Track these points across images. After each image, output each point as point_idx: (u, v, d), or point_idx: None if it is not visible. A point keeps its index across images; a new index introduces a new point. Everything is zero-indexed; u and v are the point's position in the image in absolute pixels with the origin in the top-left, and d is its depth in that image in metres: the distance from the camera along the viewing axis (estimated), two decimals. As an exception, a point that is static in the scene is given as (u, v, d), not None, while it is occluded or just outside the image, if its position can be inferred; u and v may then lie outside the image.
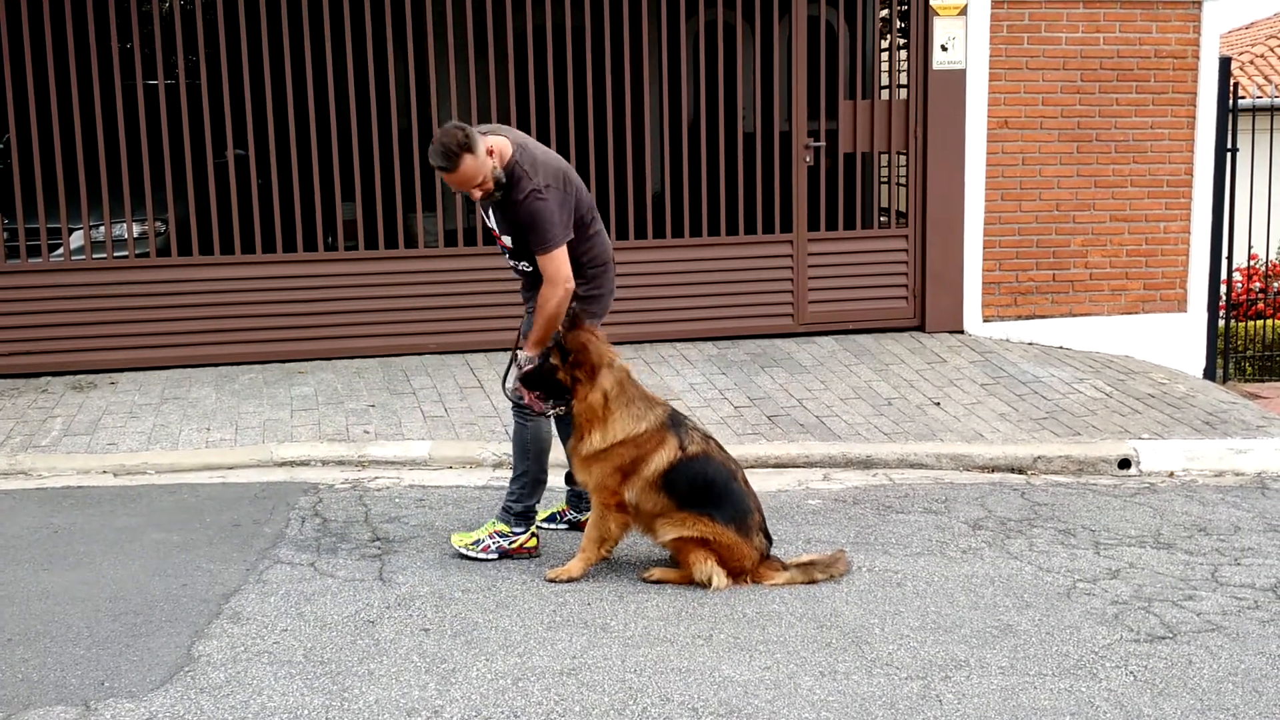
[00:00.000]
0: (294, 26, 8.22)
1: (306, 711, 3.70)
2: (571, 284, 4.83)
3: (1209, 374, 9.18)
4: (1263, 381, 10.10)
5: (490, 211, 5.00)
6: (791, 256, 8.82)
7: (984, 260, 8.92)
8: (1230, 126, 9.30)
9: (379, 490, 6.00)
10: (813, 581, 4.76)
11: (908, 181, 8.95)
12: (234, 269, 8.19)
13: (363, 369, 8.00)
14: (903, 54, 8.98)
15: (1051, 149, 8.89)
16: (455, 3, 8.34)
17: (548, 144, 8.57)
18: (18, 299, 7.93)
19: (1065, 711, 3.75)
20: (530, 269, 5.00)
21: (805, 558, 4.94)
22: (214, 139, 8.29)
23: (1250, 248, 10.96)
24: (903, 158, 9.02)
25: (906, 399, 7.53)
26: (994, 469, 6.57)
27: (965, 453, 6.63)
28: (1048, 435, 6.94)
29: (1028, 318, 9.02)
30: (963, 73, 8.72)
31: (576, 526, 5.35)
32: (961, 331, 8.94)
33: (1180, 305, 9.21)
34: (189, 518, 5.54)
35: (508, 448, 6.23)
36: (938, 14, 8.65)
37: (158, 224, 8.36)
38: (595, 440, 4.70)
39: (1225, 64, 9.14)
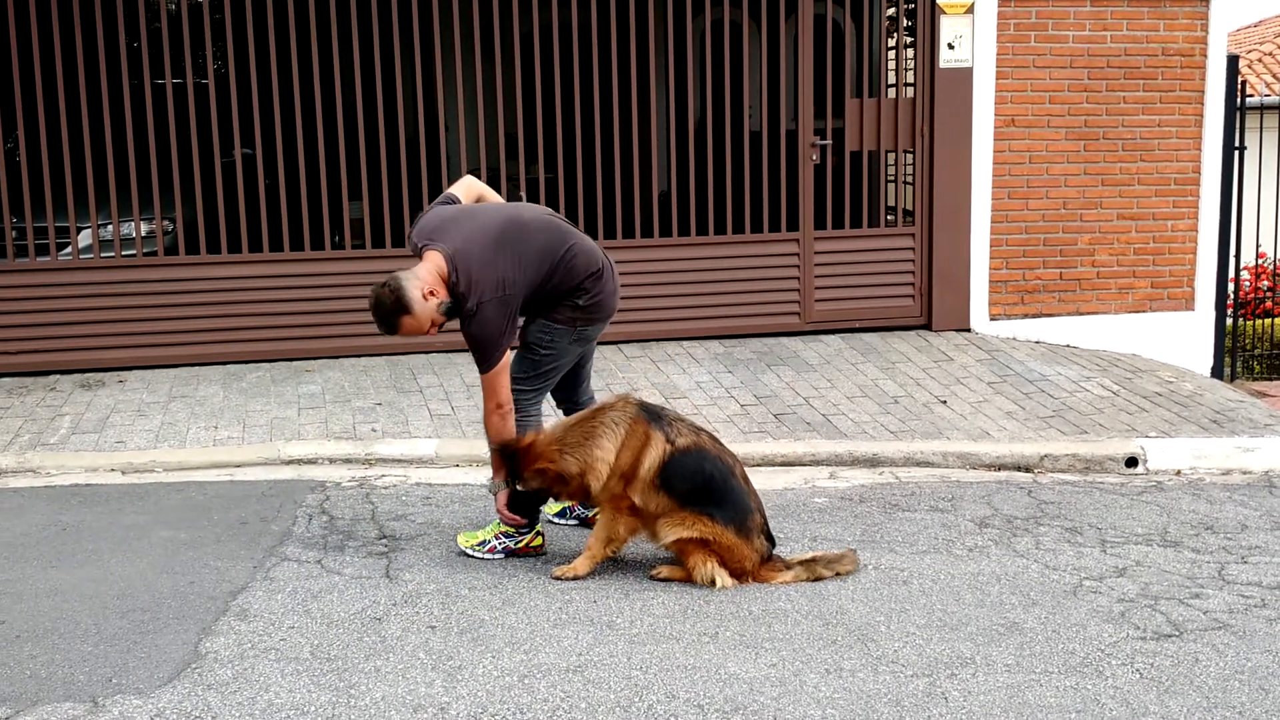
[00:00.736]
0: (301, 26, 8.24)
1: (313, 708, 3.71)
2: (507, 406, 4.81)
3: (1216, 372, 9.16)
4: (1270, 380, 10.08)
5: None
6: (798, 255, 8.82)
7: (991, 258, 8.91)
8: (1238, 124, 9.28)
9: (386, 488, 6.01)
10: (818, 578, 4.76)
11: (914, 180, 8.94)
12: (241, 268, 8.21)
13: (369, 367, 8.02)
14: (909, 52, 8.98)
15: (1059, 147, 8.88)
16: (463, 2, 8.35)
17: (554, 143, 8.61)
18: (26, 297, 7.96)
19: (1071, 709, 3.75)
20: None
21: (808, 554, 4.94)
22: (222, 138, 8.31)
23: (1258, 246, 10.94)
24: (909, 156, 9.02)
25: (913, 397, 7.53)
26: (1000, 467, 6.56)
27: (972, 451, 6.63)
28: (1054, 434, 6.93)
29: (1035, 316, 9.01)
30: (970, 71, 8.71)
31: (586, 523, 5.36)
32: (968, 330, 8.93)
33: (1188, 303, 9.20)
34: (197, 515, 5.56)
35: (514, 446, 6.23)
36: (944, 12, 8.65)
37: (165, 223, 8.39)
38: (593, 484, 4.72)
39: (1233, 62, 9.13)
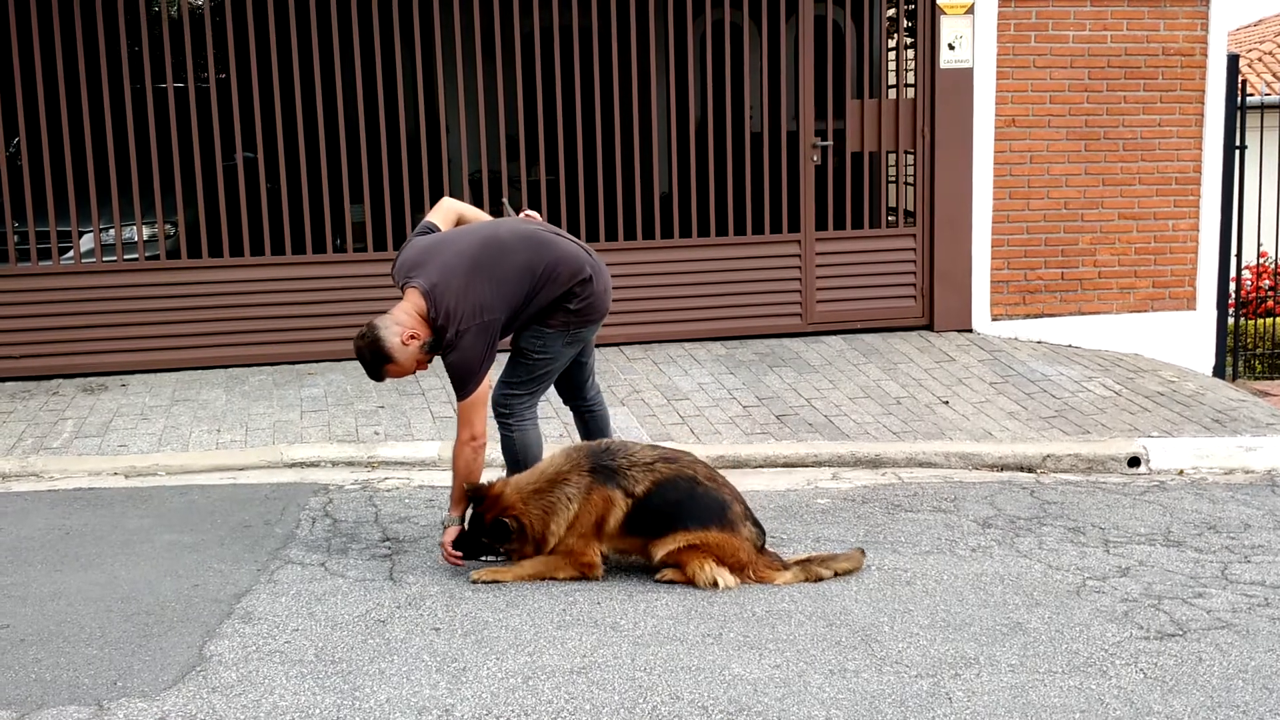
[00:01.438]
0: (302, 29, 8.24)
1: (318, 710, 3.71)
2: (481, 440, 4.79)
3: (1218, 372, 9.16)
4: (1272, 379, 10.08)
5: None
6: (799, 256, 8.82)
7: (992, 259, 8.91)
8: (1239, 124, 9.29)
9: (389, 491, 6.02)
10: (818, 579, 4.75)
11: (915, 180, 8.95)
12: (243, 271, 8.22)
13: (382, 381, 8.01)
14: (910, 53, 8.98)
15: (1059, 147, 8.88)
16: (463, 4, 8.36)
17: (555, 145, 8.61)
18: (28, 302, 7.96)
19: (1075, 709, 3.75)
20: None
21: (804, 555, 4.94)
22: (223, 142, 8.32)
23: (1259, 245, 10.94)
24: (910, 157, 9.02)
25: (915, 398, 7.53)
26: (1003, 467, 6.56)
27: (974, 451, 6.63)
28: (1057, 434, 6.93)
29: (1036, 316, 9.02)
30: (970, 71, 8.72)
31: None
32: (970, 330, 8.93)
33: (1189, 303, 9.20)
34: (200, 519, 5.56)
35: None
36: (945, 12, 8.65)
37: (167, 226, 8.39)
38: (544, 547, 4.74)
39: (1233, 61, 9.13)
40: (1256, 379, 10.10)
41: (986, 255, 8.90)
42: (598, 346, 8.18)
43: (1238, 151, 9.29)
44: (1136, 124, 8.95)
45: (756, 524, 4.86)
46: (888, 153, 9.10)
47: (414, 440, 6.69)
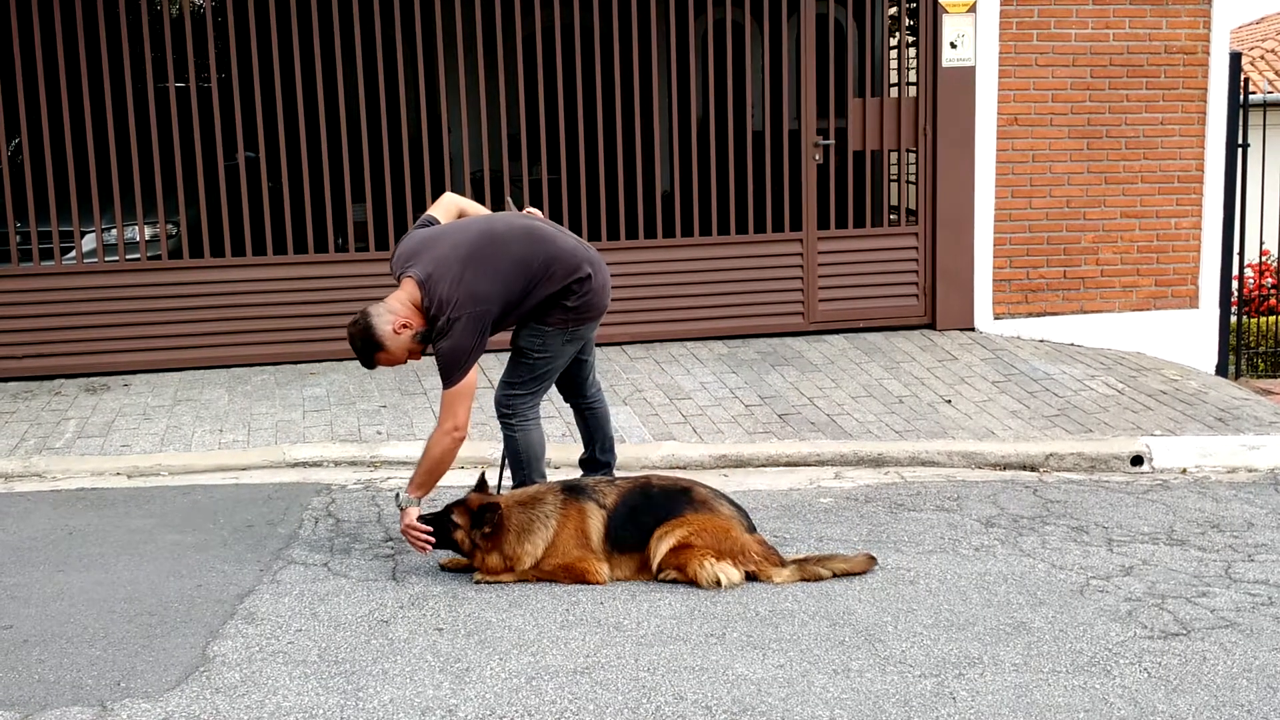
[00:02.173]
0: (304, 29, 8.24)
1: (321, 711, 3.71)
2: (462, 432, 4.78)
3: (1221, 370, 9.15)
4: (1275, 378, 10.07)
5: None
6: (801, 255, 8.82)
7: (994, 257, 8.91)
8: (1241, 122, 9.27)
9: (391, 490, 6.01)
10: (817, 578, 4.74)
11: (918, 179, 8.94)
12: (245, 271, 8.22)
13: (373, 370, 8.00)
14: (912, 51, 8.97)
15: (1061, 145, 8.88)
16: (464, 4, 8.35)
17: (557, 144, 8.60)
18: (30, 302, 7.97)
19: (1079, 708, 3.74)
20: None
21: (801, 555, 4.93)
22: (225, 141, 8.32)
23: (1262, 243, 10.93)
24: (912, 155, 9.01)
25: (918, 397, 7.53)
26: (1006, 466, 6.56)
27: (977, 450, 6.62)
28: (1060, 432, 6.93)
29: (1038, 315, 9.01)
30: (972, 70, 8.71)
31: None
32: (972, 329, 8.93)
33: (1192, 301, 9.19)
34: (203, 519, 5.56)
35: (519, 447, 6.23)
36: (947, 11, 8.64)
37: (169, 226, 8.39)
38: (515, 568, 4.74)
39: (1236, 59, 9.12)
40: (1259, 377, 10.09)
41: (989, 254, 8.89)
42: (599, 345, 8.19)
43: (1240, 149, 9.28)
44: (1139, 122, 8.94)
45: (733, 504, 4.86)
46: (890, 151, 9.09)
47: (416, 440, 6.69)
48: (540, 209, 8.32)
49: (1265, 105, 10.54)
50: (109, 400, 7.50)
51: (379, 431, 6.84)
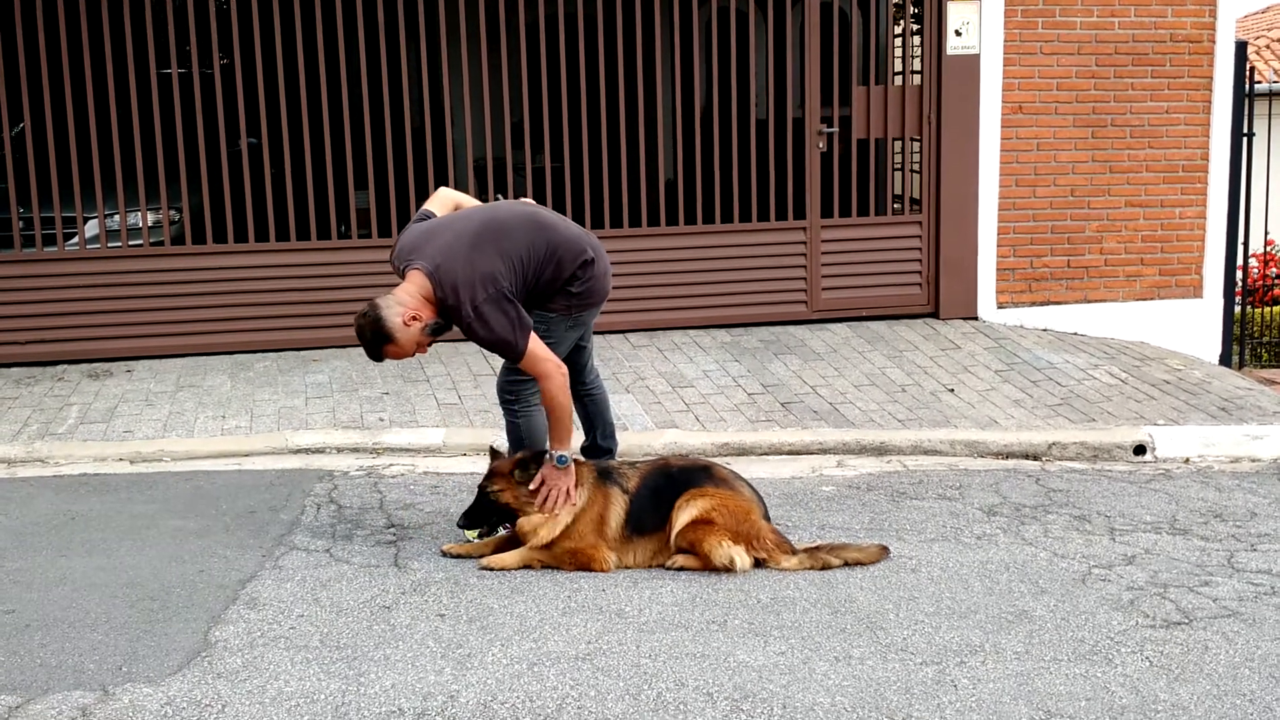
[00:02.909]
0: (307, 15, 8.22)
1: (323, 696, 3.72)
2: (563, 364, 4.77)
3: (1225, 360, 9.14)
4: (1279, 368, 10.06)
5: None
6: (805, 243, 8.80)
7: (998, 246, 8.89)
8: (1246, 111, 9.25)
9: (394, 477, 6.02)
10: (826, 566, 4.75)
11: (921, 167, 8.92)
12: (248, 258, 8.21)
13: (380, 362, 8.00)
14: (916, 39, 8.95)
15: (1066, 134, 8.85)
16: (468, -10, 8.34)
17: (560, 132, 8.59)
18: (34, 288, 7.97)
19: (1081, 696, 3.74)
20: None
21: (814, 544, 4.95)
22: (228, 128, 8.31)
23: (1266, 233, 10.91)
24: (916, 144, 8.99)
25: (920, 385, 7.52)
26: (1008, 455, 6.55)
27: (980, 439, 6.62)
28: (1062, 421, 6.92)
29: (1042, 304, 8.99)
30: (977, 58, 8.68)
31: None
32: (975, 318, 8.91)
33: (1196, 291, 9.17)
34: (205, 505, 5.57)
35: (522, 435, 6.23)
36: (952, -1, 8.61)
37: (172, 212, 8.38)
38: (544, 533, 4.75)
39: (1241, 48, 9.09)
40: (1263, 367, 10.09)
41: (992, 242, 8.87)
42: (602, 333, 8.20)
43: (1245, 139, 9.25)
44: (1144, 111, 8.91)
45: (753, 488, 4.90)
46: (894, 140, 9.07)
47: (419, 427, 6.69)
48: (544, 197, 8.35)
49: (1270, 94, 10.50)
50: (112, 386, 7.50)
51: (382, 418, 6.84)
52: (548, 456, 4.78)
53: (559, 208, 8.20)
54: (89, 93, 7.94)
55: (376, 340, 4.69)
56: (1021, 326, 8.86)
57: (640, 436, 6.53)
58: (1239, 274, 9.67)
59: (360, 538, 5.13)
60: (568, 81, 8.57)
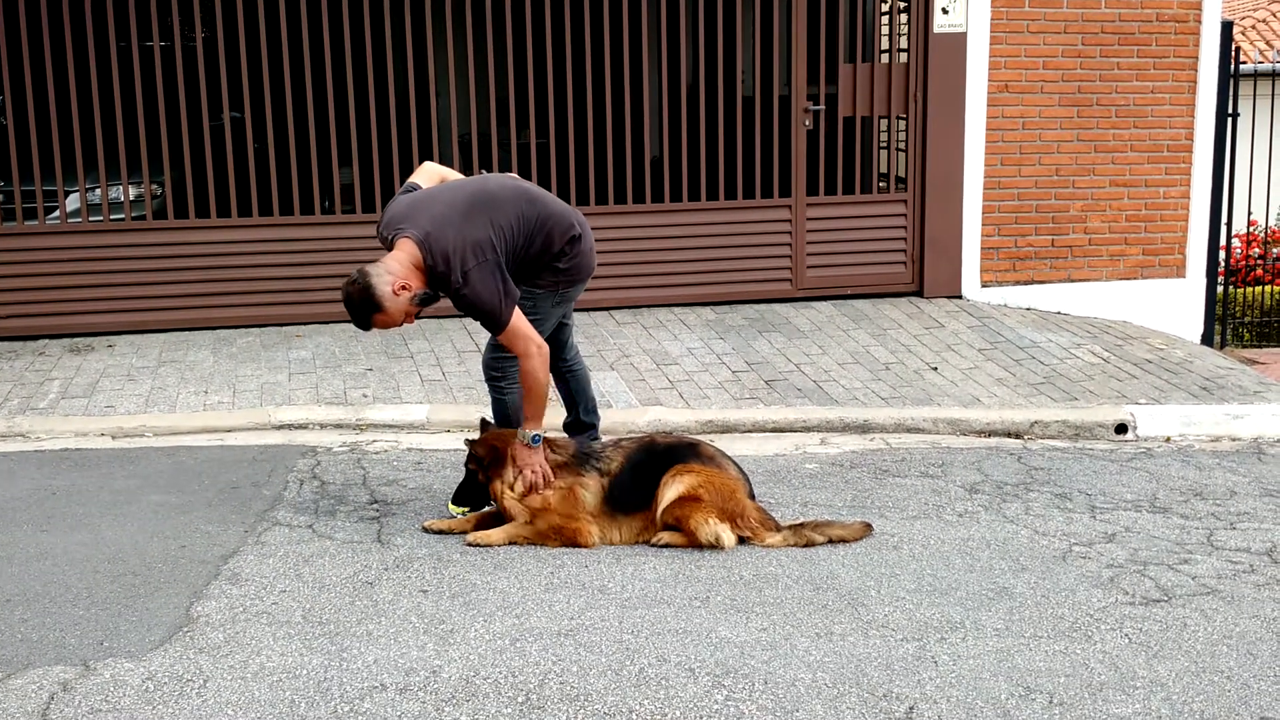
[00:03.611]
0: (290, -13, 8.15)
1: (305, 671, 3.72)
2: (544, 344, 4.75)
3: (1207, 340, 9.18)
4: (1260, 347, 10.11)
5: None
6: (790, 221, 8.80)
7: (983, 225, 8.90)
8: (1231, 91, 9.26)
9: (377, 453, 6.01)
10: (810, 544, 4.77)
11: (907, 146, 8.91)
12: (231, 232, 8.17)
13: (360, 333, 7.98)
14: (903, 17, 8.93)
15: (1052, 113, 8.85)
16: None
17: (545, 108, 8.55)
18: (14, 261, 7.91)
19: (1060, 673, 3.77)
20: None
21: (798, 520, 4.96)
22: (210, 101, 8.25)
23: (1250, 213, 10.94)
24: (902, 122, 8.98)
25: (904, 364, 7.54)
26: (991, 433, 6.58)
27: (962, 417, 6.64)
28: (1045, 400, 6.95)
29: (1026, 283, 9.01)
30: (964, 36, 8.67)
31: None
32: (960, 297, 8.93)
33: (1179, 271, 9.20)
34: (187, 480, 5.55)
35: (505, 411, 6.22)
36: (938, -24, 8.58)
37: (154, 187, 8.33)
38: (522, 510, 4.79)
39: (1227, 28, 9.09)
40: (1244, 347, 10.13)
41: (977, 221, 8.88)
42: (587, 310, 8.19)
43: (1230, 119, 9.26)
44: (1129, 90, 8.92)
45: (738, 467, 4.91)
46: (880, 117, 9.05)
47: (402, 403, 6.68)
48: (528, 173, 8.31)
49: (1256, 75, 10.50)
50: (93, 361, 7.46)
51: (365, 394, 6.82)
52: (519, 436, 4.78)
53: (544, 184, 8.17)
54: (70, 65, 7.86)
55: (365, 308, 4.66)
56: (1005, 305, 8.87)
57: (624, 414, 6.53)
58: (1222, 254, 9.70)
59: (343, 514, 5.13)
60: (553, 57, 8.52)
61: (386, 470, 5.72)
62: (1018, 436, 6.56)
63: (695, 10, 8.68)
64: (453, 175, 5.22)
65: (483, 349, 5.29)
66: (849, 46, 8.89)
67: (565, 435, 5.32)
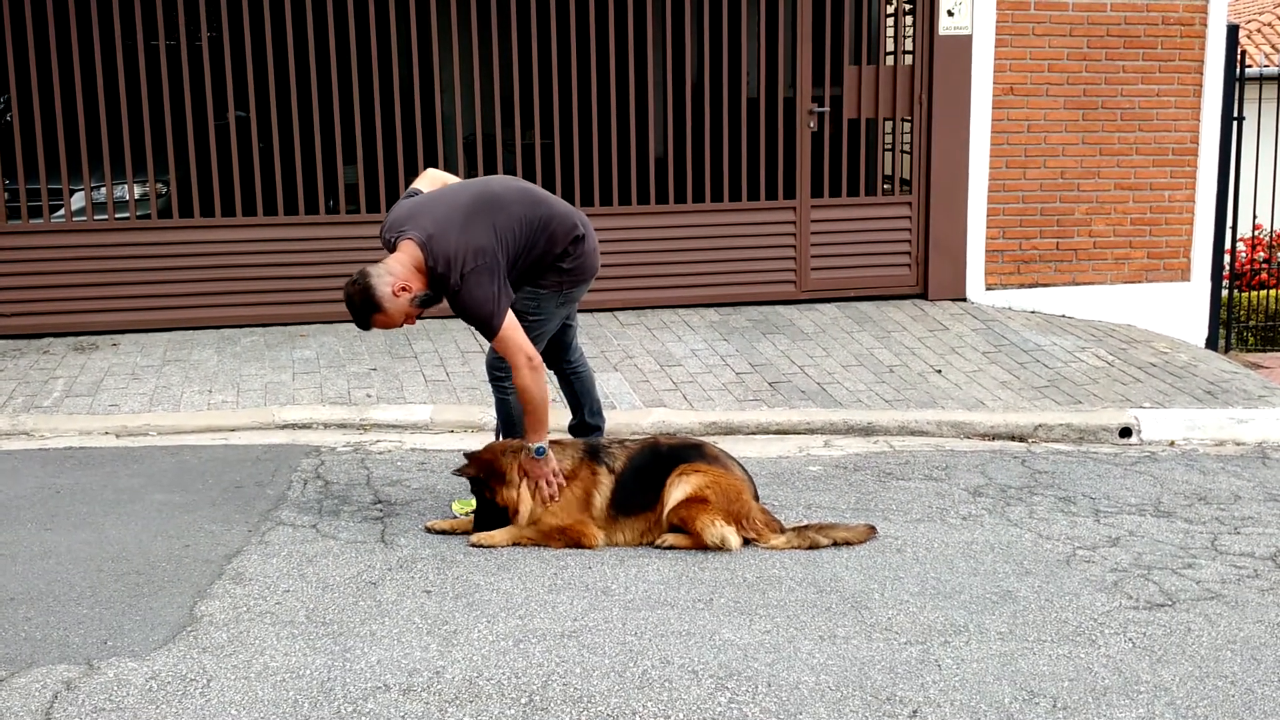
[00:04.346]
0: (296, -13, 8.15)
1: (309, 671, 3.72)
2: (535, 355, 4.73)
3: (1211, 343, 9.17)
4: (1264, 351, 10.09)
5: None
6: (794, 223, 8.79)
7: (987, 228, 8.89)
8: (1237, 95, 9.25)
9: (381, 453, 6.01)
10: (814, 546, 4.76)
11: (912, 148, 8.90)
12: (235, 231, 8.17)
13: (364, 333, 7.97)
14: (909, 19, 8.92)
15: (1057, 116, 8.84)
16: (458, -36, 8.28)
17: (551, 108, 8.55)
18: (19, 260, 7.92)
19: (1064, 677, 3.76)
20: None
21: (802, 523, 4.96)
22: (215, 100, 8.25)
23: (1255, 217, 10.92)
24: (907, 124, 8.98)
25: (908, 366, 7.53)
26: (995, 437, 6.57)
27: (966, 420, 6.63)
28: (1049, 403, 6.94)
29: (1030, 286, 9.01)
30: (969, 38, 8.66)
31: None
32: (964, 299, 8.92)
33: (1183, 274, 9.19)
34: (191, 479, 5.55)
35: (509, 412, 6.22)
36: (944, -21, 8.58)
37: (159, 185, 8.34)
38: (525, 510, 4.78)
39: (1233, 31, 9.08)
40: (1249, 351, 10.12)
41: (982, 224, 8.88)
42: (590, 311, 8.19)
43: (1235, 123, 9.25)
44: (1135, 94, 8.91)
45: (742, 468, 4.90)
46: (885, 120, 9.05)
47: (406, 403, 6.68)
48: (533, 174, 8.31)
49: (1261, 79, 10.51)
50: (97, 359, 7.47)
51: (369, 394, 6.82)
52: (525, 450, 4.77)
53: (548, 185, 8.16)
54: (75, 64, 7.87)
55: (365, 309, 4.67)
56: (1010, 308, 8.87)
57: (628, 415, 6.53)
58: (1227, 258, 9.68)
59: (347, 514, 5.13)
60: (558, 58, 8.53)
61: (390, 470, 5.73)
62: (1022, 440, 6.55)
63: (700, 11, 8.68)
64: (454, 181, 5.23)
65: (486, 349, 5.29)
66: (854, 48, 8.88)
67: (570, 436, 5.32)
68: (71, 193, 8.13)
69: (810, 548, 4.75)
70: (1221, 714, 3.57)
